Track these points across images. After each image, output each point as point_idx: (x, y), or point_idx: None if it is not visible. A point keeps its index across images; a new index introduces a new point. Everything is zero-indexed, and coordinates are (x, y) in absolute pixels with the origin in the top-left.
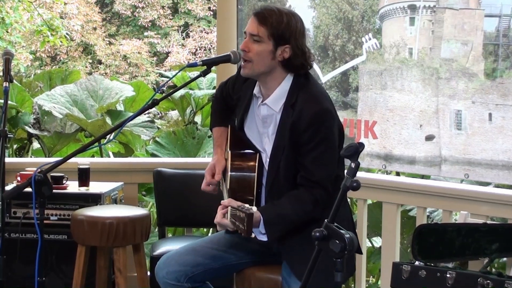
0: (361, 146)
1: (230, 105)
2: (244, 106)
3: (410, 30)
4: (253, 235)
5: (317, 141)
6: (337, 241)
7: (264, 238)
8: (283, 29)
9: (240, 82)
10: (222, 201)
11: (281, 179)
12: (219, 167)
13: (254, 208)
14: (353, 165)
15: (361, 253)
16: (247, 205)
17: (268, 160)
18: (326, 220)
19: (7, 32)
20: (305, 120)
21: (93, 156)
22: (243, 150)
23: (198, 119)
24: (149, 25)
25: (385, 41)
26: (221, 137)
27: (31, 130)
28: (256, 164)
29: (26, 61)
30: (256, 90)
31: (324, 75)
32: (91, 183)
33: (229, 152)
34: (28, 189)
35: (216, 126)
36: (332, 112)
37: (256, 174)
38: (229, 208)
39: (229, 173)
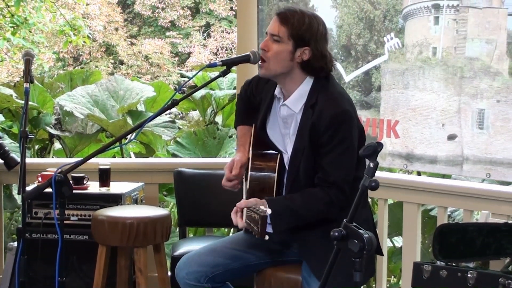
0: (379, 146)
1: (254, 104)
2: (266, 107)
3: (434, 29)
4: (267, 238)
5: (336, 143)
6: (356, 241)
7: (269, 229)
8: (303, 30)
9: (263, 82)
10: (237, 203)
11: (301, 180)
12: (238, 163)
13: (269, 211)
14: (371, 164)
15: (381, 254)
16: (262, 207)
17: (289, 159)
18: (344, 220)
19: (30, 32)
20: (324, 122)
21: (114, 157)
22: (265, 151)
23: (219, 119)
24: (169, 25)
25: (408, 40)
26: (244, 136)
27: (53, 131)
28: (277, 164)
29: (49, 61)
30: (277, 91)
31: (347, 75)
32: (112, 184)
33: (251, 152)
34: (49, 190)
35: (240, 124)
36: (352, 113)
37: (276, 174)
38: (245, 209)
39: (249, 172)
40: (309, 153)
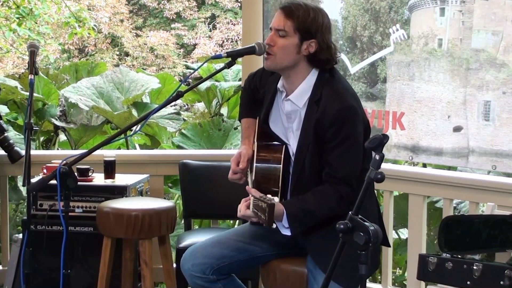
0: (385, 137)
1: (258, 97)
2: (269, 100)
3: (440, 21)
4: (274, 226)
5: (341, 138)
6: (362, 233)
7: (287, 232)
8: (309, 23)
9: (267, 75)
10: (247, 186)
11: (306, 175)
12: (245, 155)
13: (276, 199)
14: (377, 157)
15: (389, 245)
16: (269, 196)
17: (294, 153)
18: (350, 212)
19: (36, 23)
20: (328, 118)
21: (119, 148)
22: (270, 142)
23: (224, 111)
24: (175, 17)
25: (413, 32)
26: (249, 128)
27: (58, 123)
28: (282, 155)
29: (55, 53)
30: (279, 84)
31: (352, 66)
32: (117, 175)
33: (256, 143)
34: (54, 182)
35: (244, 117)
36: (356, 108)
37: (282, 165)
38: (252, 198)
39: (255, 164)
40: (314, 148)
